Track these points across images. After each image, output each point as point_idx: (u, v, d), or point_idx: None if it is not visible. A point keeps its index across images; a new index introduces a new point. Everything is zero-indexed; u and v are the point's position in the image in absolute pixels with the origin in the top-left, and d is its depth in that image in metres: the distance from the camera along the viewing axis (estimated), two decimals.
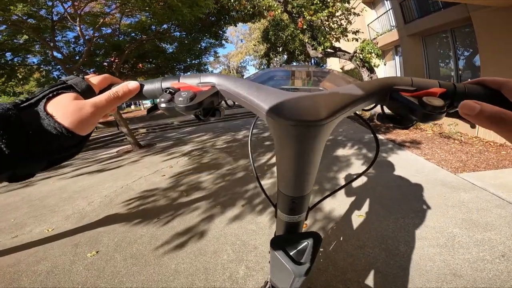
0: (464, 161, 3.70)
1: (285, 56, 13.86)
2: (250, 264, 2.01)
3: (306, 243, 0.48)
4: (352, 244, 2.14)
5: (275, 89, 0.33)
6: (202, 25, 7.93)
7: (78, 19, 5.66)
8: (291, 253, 0.47)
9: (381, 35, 7.28)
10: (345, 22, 6.57)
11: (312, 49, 7.39)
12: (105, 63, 7.91)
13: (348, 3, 6.01)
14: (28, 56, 7.21)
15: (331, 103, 0.30)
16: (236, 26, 8.34)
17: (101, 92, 0.34)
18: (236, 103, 0.39)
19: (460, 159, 3.81)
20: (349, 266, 1.89)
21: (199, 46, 9.38)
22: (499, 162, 3.63)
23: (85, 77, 0.34)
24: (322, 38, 6.18)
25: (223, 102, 0.40)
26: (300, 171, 0.39)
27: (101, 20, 6.50)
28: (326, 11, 5.62)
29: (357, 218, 2.50)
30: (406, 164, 3.83)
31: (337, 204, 2.78)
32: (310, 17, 5.72)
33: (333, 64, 22.87)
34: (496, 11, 4.63)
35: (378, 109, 0.36)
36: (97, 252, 2.37)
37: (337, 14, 6.27)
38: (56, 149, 0.27)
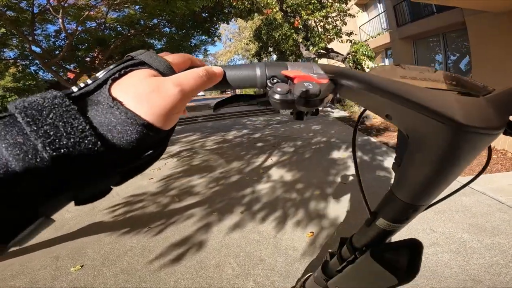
0: (481, 165, 3.77)
1: (275, 56, 13.77)
2: (259, 279, 1.86)
3: (407, 250, 0.45)
4: None
5: (420, 87, 0.30)
6: (195, 21, 7.68)
7: (61, 11, 5.30)
8: (393, 263, 0.44)
9: (375, 37, 7.37)
10: (340, 23, 6.58)
11: (305, 50, 7.39)
12: (87, 58, 7.51)
13: (346, 3, 6.01)
14: (4, 50, 6.75)
15: (503, 107, 0.26)
16: (228, 23, 8.15)
17: None
18: (348, 97, 0.33)
19: (479, 161, 3.85)
20: None
21: (190, 43, 9.13)
22: (492, 166, 3.73)
23: (158, 54, 0.25)
24: (317, 39, 6.15)
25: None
26: (441, 180, 0.34)
27: (86, 13, 6.14)
28: (324, 10, 5.58)
29: None
30: None
31: (341, 211, 2.68)
32: (307, 17, 5.67)
33: None
34: (490, 17, 4.75)
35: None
36: (81, 266, 2.14)
37: (333, 15, 6.27)
38: (130, 154, 0.18)
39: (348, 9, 6.51)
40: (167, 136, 0.22)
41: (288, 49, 10.00)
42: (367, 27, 10.61)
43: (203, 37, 8.90)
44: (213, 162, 4.80)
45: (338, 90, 0.28)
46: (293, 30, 7.02)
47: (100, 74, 0.20)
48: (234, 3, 6.52)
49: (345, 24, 6.68)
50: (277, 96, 0.24)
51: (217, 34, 8.64)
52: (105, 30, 7.12)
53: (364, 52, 6.45)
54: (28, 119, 0.15)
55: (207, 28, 7.89)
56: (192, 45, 9.48)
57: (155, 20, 7.41)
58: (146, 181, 4.10)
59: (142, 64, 0.22)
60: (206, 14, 7.98)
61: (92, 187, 0.18)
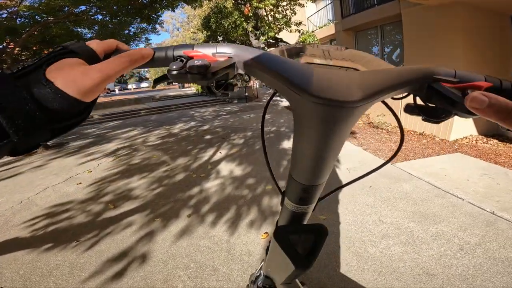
0: (395, 150, 4.08)
1: None
2: None
3: (311, 235, 0.46)
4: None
5: (303, 63, 0.31)
6: (132, 7, 6.85)
7: None
8: (294, 245, 0.45)
9: (321, 27, 7.58)
10: (290, 12, 6.59)
11: (255, 39, 7.27)
12: None
13: None
14: None
15: (368, 84, 0.28)
16: (174, 11, 7.48)
17: (106, 58, 0.30)
18: (252, 77, 0.36)
19: (391, 148, 4.25)
20: (326, 280, 1.72)
21: (127, 31, 8.20)
22: (423, 150, 4.11)
23: (86, 42, 0.31)
24: (267, 27, 6.05)
25: (238, 76, 0.37)
26: (320, 157, 0.35)
27: None
28: None
29: (318, 220, 2.37)
30: (350, 155, 3.99)
31: None
32: (257, 4, 5.50)
33: None
34: (423, 10, 5.20)
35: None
36: None
37: (283, 4, 6.23)
38: (59, 117, 0.25)
39: None
40: (91, 104, 0.28)
41: (238, 39, 9.76)
42: (315, 18, 10.91)
43: (144, 24, 8.05)
44: (156, 159, 4.38)
45: (239, 67, 0.32)
46: (243, 19, 6.82)
47: (35, 59, 0.26)
48: None
49: (295, 13, 6.73)
50: (173, 72, 0.29)
51: (159, 21, 7.84)
52: (18, 19, 6.00)
53: (311, 42, 6.60)
54: None
55: (147, 14, 7.08)
56: (131, 34, 8.56)
57: (83, 7, 6.45)
58: (73, 187, 3.54)
59: (72, 52, 0.28)
60: (146, 1, 7.21)
61: (31, 139, 0.23)
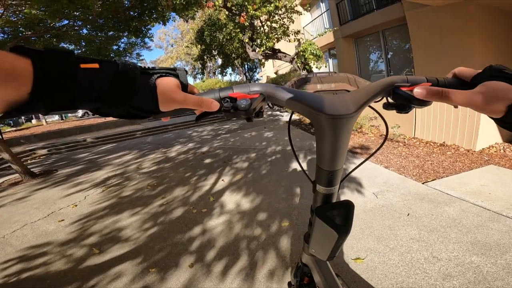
0: (420, 166, 3.76)
1: (220, 60, 13.21)
2: None
3: (342, 209, 0.59)
4: None
5: (313, 93, 0.49)
6: (118, 19, 6.58)
7: None
8: (332, 218, 0.59)
9: (322, 35, 7.37)
10: (287, 21, 6.35)
11: (252, 51, 7.01)
12: None
13: None
14: None
15: (356, 100, 0.46)
16: (165, 24, 7.22)
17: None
18: (276, 104, 0.50)
19: (414, 164, 3.88)
20: None
21: (116, 46, 7.94)
22: (453, 164, 3.74)
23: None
24: (265, 38, 5.78)
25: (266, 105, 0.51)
26: (337, 150, 0.51)
27: None
28: (272, 5, 5.21)
29: (355, 264, 1.93)
30: (371, 175, 3.54)
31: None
32: (253, 12, 5.23)
33: (268, 68, 23.48)
34: (430, 11, 4.94)
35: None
36: None
37: (280, 12, 6.00)
38: (138, 106, 0.36)
39: (296, 5, 6.34)
40: (158, 113, 0.40)
41: (233, 52, 9.51)
42: (311, 27, 10.81)
43: (133, 39, 7.78)
44: (150, 190, 3.92)
45: (267, 100, 0.47)
46: (238, 30, 6.57)
47: (158, 68, 0.40)
48: None
49: (293, 22, 6.49)
50: (229, 111, 0.42)
51: (148, 34, 7.55)
52: (1, 35, 5.78)
53: (312, 52, 6.35)
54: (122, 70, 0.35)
55: (135, 27, 6.79)
56: (121, 49, 8.31)
57: (66, 21, 6.21)
58: (54, 224, 3.09)
59: (177, 76, 0.41)
60: (136, 14, 6.97)
61: (114, 108, 0.35)
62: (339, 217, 0.58)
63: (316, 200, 0.64)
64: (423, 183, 3.20)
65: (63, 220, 3.20)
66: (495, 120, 0.38)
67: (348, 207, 0.59)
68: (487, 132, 4.20)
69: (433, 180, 3.30)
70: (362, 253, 2.05)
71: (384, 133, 5.43)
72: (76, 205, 3.63)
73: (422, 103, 0.43)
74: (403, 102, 0.46)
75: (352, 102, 0.45)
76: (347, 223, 0.57)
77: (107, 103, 0.33)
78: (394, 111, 0.51)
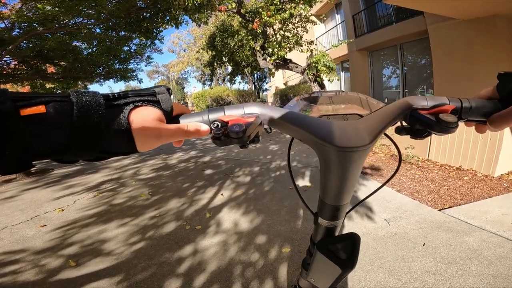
0: (436, 192, 3.53)
1: (230, 68, 13.20)
2: None
3: (348, 242, 0.54)
4: None
5: (319, 119, 0.42)
6: (129, 19, 6.57)
7: None
8: (335, 253, 0.53)
9: (337, 46, 7.24)
10: (301, 30, 6.24)
11: (263, 59, 6.90)
12: None
13: (311, 7, 5.63)
14: None
15: (371, 128, 0.40)
16: (178, 27, 7.25)
17: (176, 117, 0.39)
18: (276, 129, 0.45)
19: (429, 188, 3.64)
20: None
21: (127, 47, 7.95)
22: (471, 191, 3.49)
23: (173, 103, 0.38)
24: (277, 46, 5.65)
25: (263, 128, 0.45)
26: (344, 185, 0.45)
27: None
28: (287, 12, 5.11)
29: None
30: (382, 199, 3.26)
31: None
32: (268, 18, 5.13)
33: (277, 79, 23.46)
34: (455, 24, 4.75)
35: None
36: None
37: (294, 21, 5.90)
38: (110, 150, 0.31)
39: (311, 15, 6.24)
40: (134, 152, 0.33)
41: (244, 59, 9.45)
42: (324, 39, 10.71)
43: (143, 40, 7.79)
44: (144, 200, 3.71)
45: (264, 124, 0.42)
46: (250, 37, 6.49)
47: (130, 93, 0.33)
48: None
49: (307, 31, 6.37)
50: (217, 141, 0.37)
51: (159, 37, 7.52)
52: (17, 30, 5.87)
53: (325, 63, 6.17)
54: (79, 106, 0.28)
55: (146, 27, 6.76)
56: (132, 50, 8.33)
57: (80, 19, 6.24)
58: (34, 229, 2.91)
59: (158, 102, 0.35)
60: (148, 14, 6.99)
61: (81, 156, 0.29)
62: (344, 251, 0.53)
63: (317, 232, 0.60)
64: (439, 210, 2.97)
65: (45, 225, 3.01)
66: None
67: (353, 240, 0.54)
68: (507, 156, 3.91)
69: (450, 207, 3.07)
70: (373, 285, 1.79)
71: (396, 153, 5.20)
72: (63, 210, 3.46)
73: (445, 130, 0.38)
74: (421, 128, 0.42)
75: (366, 130, 0.40)
76: (352, 258, 0.53)
77: (70, 154, 0.28)
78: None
